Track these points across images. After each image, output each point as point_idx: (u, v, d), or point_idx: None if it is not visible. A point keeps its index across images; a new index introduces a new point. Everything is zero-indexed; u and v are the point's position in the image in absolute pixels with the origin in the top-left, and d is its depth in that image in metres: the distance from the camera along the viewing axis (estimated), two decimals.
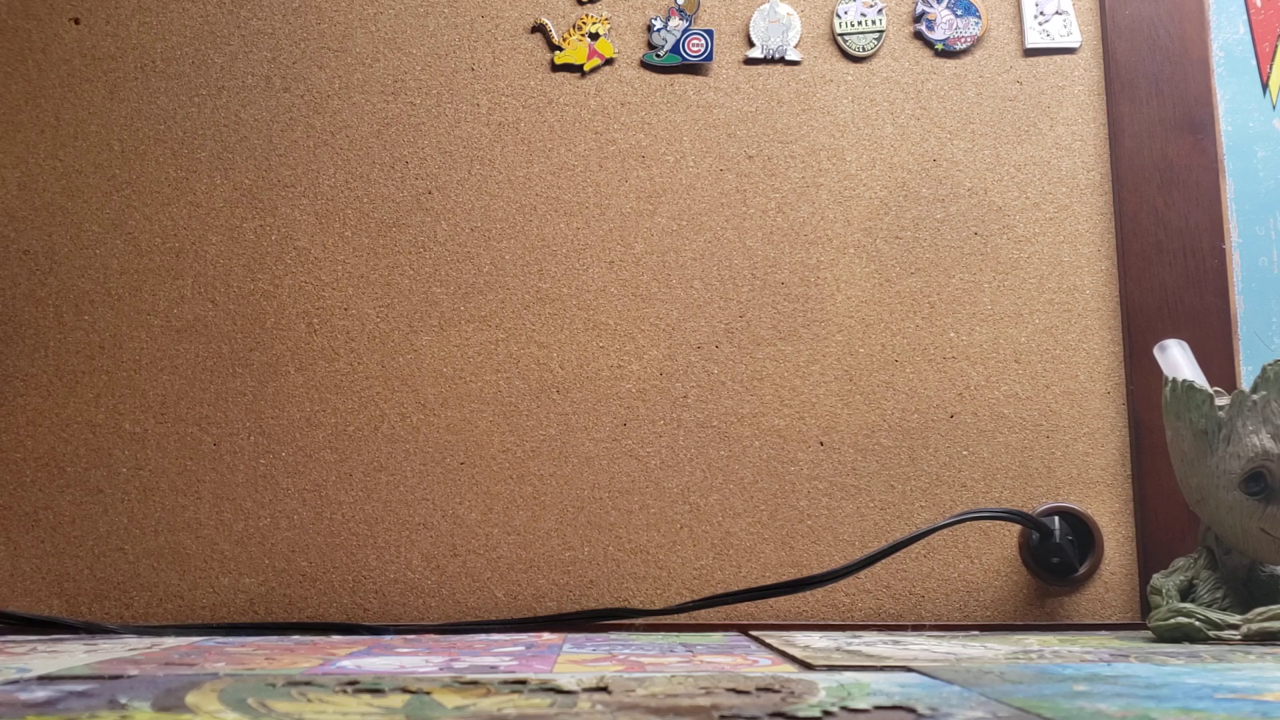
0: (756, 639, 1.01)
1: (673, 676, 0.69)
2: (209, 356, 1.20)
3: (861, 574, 1.15)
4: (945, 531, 1.16)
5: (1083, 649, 0.88)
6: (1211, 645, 0.92)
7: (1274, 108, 1.23)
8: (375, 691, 0.61)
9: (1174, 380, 1.00)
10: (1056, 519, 1.15)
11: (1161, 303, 1.18)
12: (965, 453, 1.18)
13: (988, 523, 1.16)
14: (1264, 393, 0.96)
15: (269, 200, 1.22)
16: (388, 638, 1.05)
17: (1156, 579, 1.01)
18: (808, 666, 0.75)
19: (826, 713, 0.54)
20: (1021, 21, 1.24)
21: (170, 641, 0.99)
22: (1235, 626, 0.94)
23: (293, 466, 1.18)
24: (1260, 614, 0.94)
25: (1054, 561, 1.14)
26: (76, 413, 1.19)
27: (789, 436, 1.18)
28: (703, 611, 1.15)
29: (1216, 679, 0.67)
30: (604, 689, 0.62)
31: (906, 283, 1.21)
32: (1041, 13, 1.23)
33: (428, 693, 0.61)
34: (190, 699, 0.59)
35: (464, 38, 1.25)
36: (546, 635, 1.07)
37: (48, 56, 1.24)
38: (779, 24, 1.24)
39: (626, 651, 0.88)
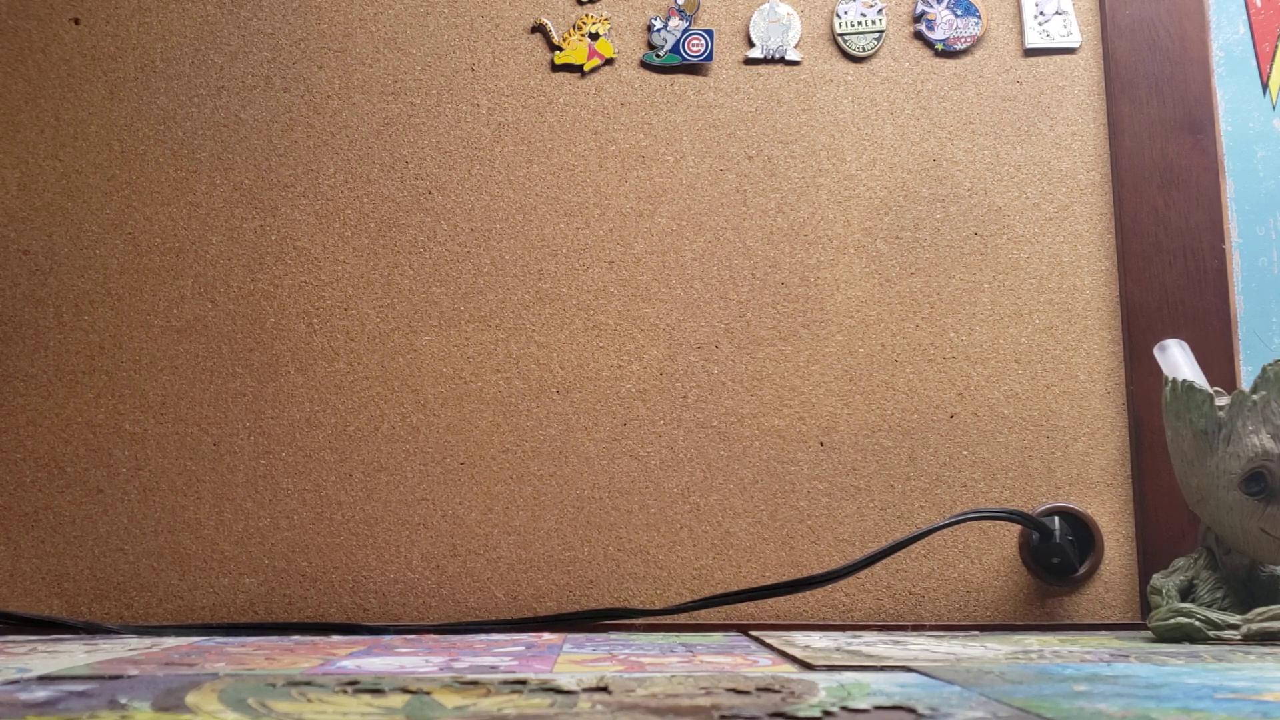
0: (756, 639, 1.01)
1: (673, 676, 0.69)
2: (209, 356, 1.20)
3: (861, 574, 1.15)
4: (945, 531, 1.16)
5: (1083, 649, 0.88)
6: (1211, 645, 0.92)
7: (1274, 108, 1.23)
8: (375, 691, 0.61)
9: (1174, 380, 1.00)
10: (1056, 519, 1.15)
11: (1161, 303, 1.18)
12: (965, 453, 1.18)
13: (988, 523, 1.16)
14: (1264, 393, 0.96)
15: (269, 200, 1.22)
16: (388, 638, 1.05)
17: (1156, 579, 1.01)
18: (808, 666, 0.75)
19: (826, 713, 0.54)
20: (1021, 21, 1.24)
21: (170, 641, 0.99)
22: (1235, 626, 0.94)
23: (293, 466, 1.18)
24: (1260, 614, 0.94)
25: (1054, 561, 1.14)
26: (76, 413, 1.19)
27: (789, 436, 1.18)
28: (703, 611, 1.15)
29: (1216, 679, 0.67)
30: (604, 689, 0.62)
31: (906, 283, 1.21)
32: (1041, 13, 1.23)
33: (428, 693, 0.61)
34: (190, 699, 0.59)
35: (464, 38, 1.25)
36: (546, 635, 1.07)
37: (48, 56, 1.24)
38: (779, 24, 1.24)
39: (626, 651, 0.88)
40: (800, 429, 1.18)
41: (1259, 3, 1.25)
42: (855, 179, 1.22)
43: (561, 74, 1.24)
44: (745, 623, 1.15)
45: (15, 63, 1.24)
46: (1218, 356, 1.16)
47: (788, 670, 0.73)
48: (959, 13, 1.23)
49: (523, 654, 0.85)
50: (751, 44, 1.24)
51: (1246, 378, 1.17)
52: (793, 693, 0.61)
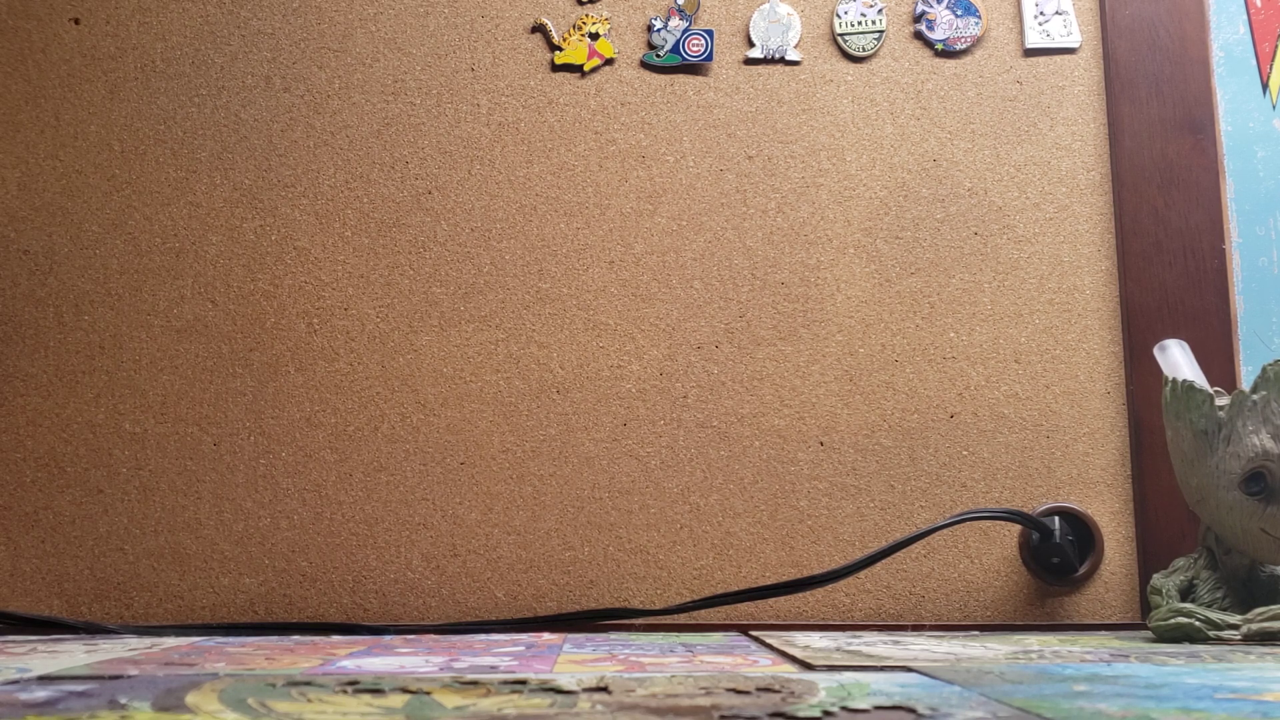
0: (756, 639, 1.01)
1: (673, 676, 0.69)
2: (209, 356, 1.20)
3: (861, 574, 1.15)
4: (945, 531, 1.16)
5: (1083, 649, 0.88)
6: (1211, 645, 0.92)
7: (1274, 108, 1.23)
8: (375, 691, 0.61)
9: (1174, 380, 1.00)
10: (1056, 519, 1.15)
11: (1161, 303, 1.18)
12: (965, 453, 1.18)
13: (988, 523, 1.16)
14: (1264, 393, 0.96)
15: (269, 200, 1.22)
16: (388, 638, 1.05)
17: (1156, 579, 1.01)
18: (808, 666, 0.75)
19: (826, 713, 0.54)
20: (1021, 21, 1.24)
21: (170, 641, 0.99)
22: (1235, 626, 0.94)
23: (293, 466, 1.18)
24: (1260, 614, 0.94)
25: (1054, 561, 1.14)
26: (76, 413, 1.19)
27: (789, 436, 1.18)
28: (703, 611, 1.15)
29: (1216, 679, 0.67)
30: (604, 689, 0.62)
31: (906, 283, 1.21)
32: (1041, 13, 1.23)
33: (428, 693, 0.61)
34: (190, 699, 0.59)
35: (464, 38, 1.25)
36: (546, 635, 1.07)
37: (48, 56, 1.24)
38: (779, 24, 1.24)
39: (626, 651, 0.88)
40: (800, 429, 1.18)
41: (1259, 3, 1.25)
42: (855, 179, 1.22)
43: (561, 74, 1.24)
44: (745, 623, 1.15)
45: (15, 63, 1.24)
46: (1218, 356, 1.16)
47: (788, 670, 0.73)
48: (959, 13, 1.23)
49: (523, 654, 0.85)
50: (751, 44, 1.24)
51: (1246, 378, 1.17)
52: (793, 693, 0.61)
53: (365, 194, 1.22)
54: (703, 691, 0.61)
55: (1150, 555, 1.14)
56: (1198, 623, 0.95)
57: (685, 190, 1.22)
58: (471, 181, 1.23)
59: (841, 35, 1.24)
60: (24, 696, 0.59)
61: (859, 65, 1.24)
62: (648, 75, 1.24)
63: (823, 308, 1.20)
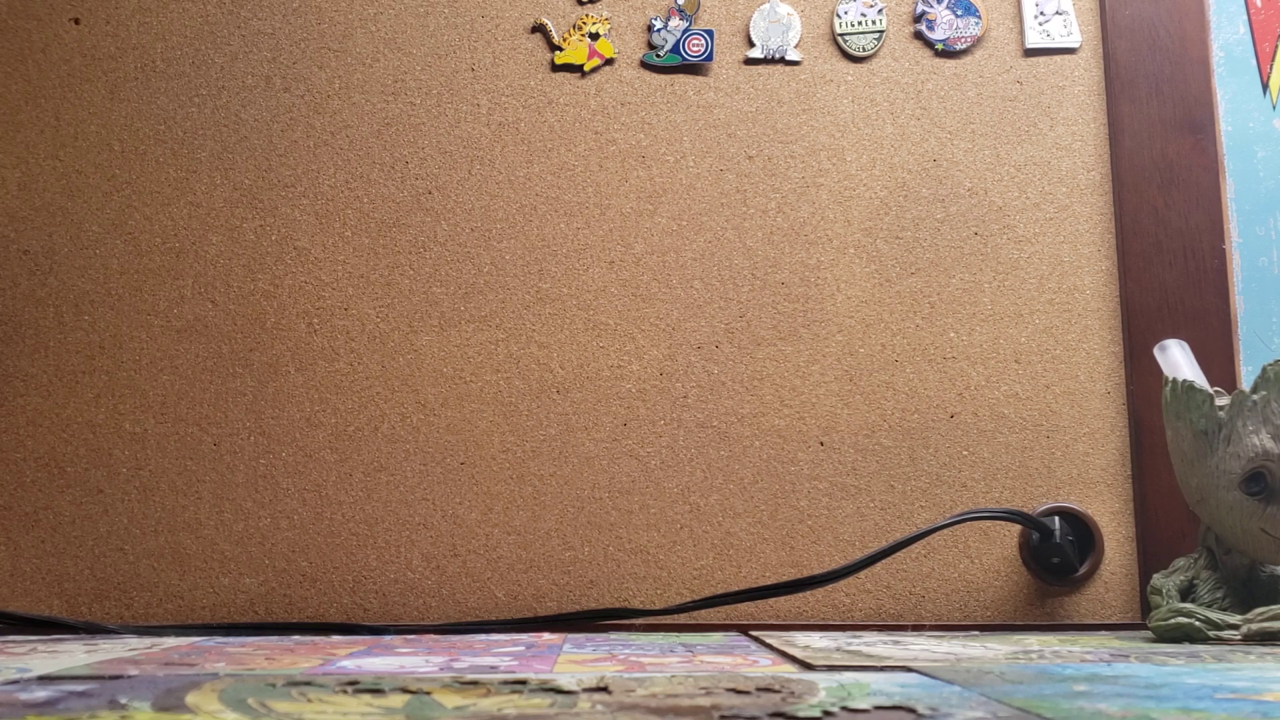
0: (756, 639, 1.01)
1: (673, 676, 0.69)
2: (209, 356, 1.20)
3: (861, 574, 1.15)
4: (945, 531, 1.16)
5: (1083, 649, 0.88)
6: (1211, 645, 0.92)
7: (1274, 108, 1.23)
8: (375, 691, 0.61)
9: (1174, 380, 1.00)
10: (1056, 519, 1.15)
11: (1161, 303, 1.18)
12: (965, 453, 1.18)
13: (988, 523, 1.16)
14: (1264, 393, 0.96)
15: (269, 200, 1.22)
16: (388, 638, 1.05)
17: (1156, 579, 1.01)
18: (808, 666, 0.75)
19: (826, 713, 0.54)
20: (1021, 21, 1.24)
21: (170, 641, 0.99)
22: (1235, 626, 0.94)
23: (293, 466, 1.18)
24: (1260, 614, 0.94)
25: (1054, 561, 1.14)
26: (76, 413, 1.19)
27: (789, 436, 1.18)
28: (703, 611, 1.15)
29: (1216, 679, 0.67)
30: (604, 689, 0.62)
31: (906, 283, 1.21)
32: (1041, 13, 1.23)
33: (428, 693, 0.61)
34: (190, 699, 0.59)
35: (464, 38, 1.25)
36: (546, 635, 1.07)
37: (48, 56, 1.24)
38: (779, 24, 1.24)
39: (626, 651, 0.88)
40: (800, 429, 1.18)
41: (1259, 3, 1.25)
42: (855, 179, 1.22)
43: (561, 74, 1.24)
44: (745, 623, 1.15)
45: (15, 63, 1.24)
46: (1218, 356, 1.16)
47: (788, 670, 0.73)
48: (959, 13, 1.23)
49: (523, 654, 0.85)
50: (751, 44, 1.24)
51: (1246, 378, 1.17)
52: (793, 693, 0.61)
53: (365, 194, 1.22)
54: (703, 691, 0.61)
55: (1150, 555, 1.14)
56: (1198, 623, 0.95)
57: (685, 190, 1.22)
58: (471, 181, 1.23)
59: (841, 35, 1.24)
60: (24, 696, 0.59)
61: (859, 65, 1.24)
62: (648, 75, 1.24)
63: (823, 308, 1.20)
